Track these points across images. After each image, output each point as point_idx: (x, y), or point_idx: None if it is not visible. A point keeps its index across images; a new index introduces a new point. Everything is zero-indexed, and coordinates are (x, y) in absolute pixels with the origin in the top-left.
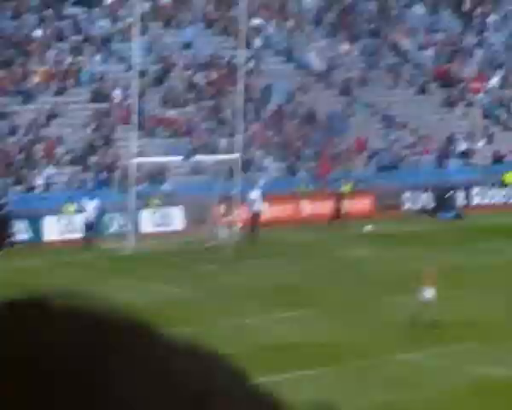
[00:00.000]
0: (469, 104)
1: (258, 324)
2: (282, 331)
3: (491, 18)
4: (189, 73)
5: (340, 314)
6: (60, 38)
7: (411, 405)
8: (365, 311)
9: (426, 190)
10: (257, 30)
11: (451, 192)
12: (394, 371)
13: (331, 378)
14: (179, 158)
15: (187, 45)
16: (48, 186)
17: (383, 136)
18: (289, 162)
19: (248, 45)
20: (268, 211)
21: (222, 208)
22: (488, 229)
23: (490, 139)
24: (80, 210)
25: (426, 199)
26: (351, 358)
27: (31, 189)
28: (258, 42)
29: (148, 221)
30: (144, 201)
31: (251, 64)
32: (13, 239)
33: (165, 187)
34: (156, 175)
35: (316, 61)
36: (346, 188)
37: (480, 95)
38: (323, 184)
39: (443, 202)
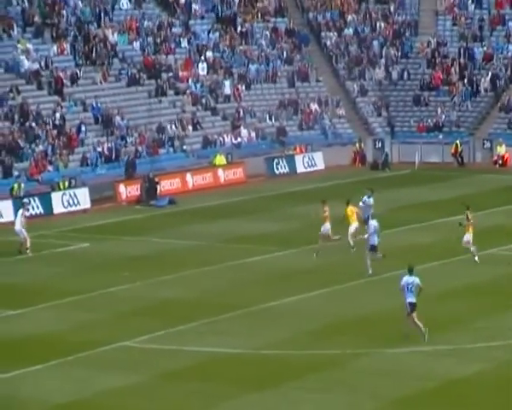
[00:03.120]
0: (178, 92)
1: None
2: None
3: (196, 6)
4: None
5: None
6: None
7: None
8: None
9: (139, 179)
10: None
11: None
12: None
13: None
14: None
15: None
16: None
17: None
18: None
19: None
20: None
21: None
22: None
23: (199, 125)
24: None
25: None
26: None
27: None
28: None
29: None
30: None
31: None
32: None
33: None
34: None
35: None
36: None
37: (189, 82)
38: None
39: (154, 191)
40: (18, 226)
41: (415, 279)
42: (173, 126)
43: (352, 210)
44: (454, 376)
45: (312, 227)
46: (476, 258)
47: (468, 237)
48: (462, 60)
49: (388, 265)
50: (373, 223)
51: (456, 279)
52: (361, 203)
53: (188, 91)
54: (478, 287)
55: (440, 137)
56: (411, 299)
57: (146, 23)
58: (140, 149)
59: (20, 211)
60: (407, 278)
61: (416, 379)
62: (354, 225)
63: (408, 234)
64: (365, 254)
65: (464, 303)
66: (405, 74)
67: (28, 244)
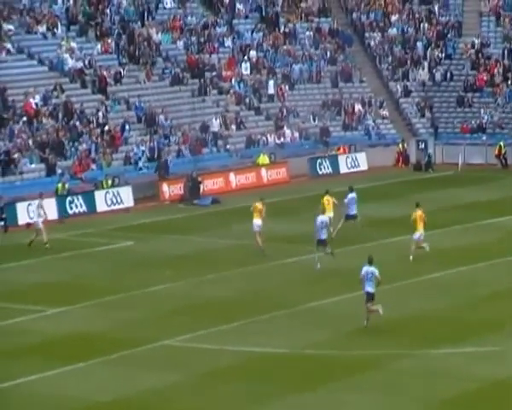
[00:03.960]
0: (222, 92)
1: None
2: None
3: (240, 6)
4: None
5: None
6: None
7: None
8: None
9: (183, 178)
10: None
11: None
12: None
13: None
14: None
15: None
16: None
17: (140, 129)
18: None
19: None
20: None
21: None
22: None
23: (242, 124)
24: None
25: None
26: None
27: None
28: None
29: None
30: None
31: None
32: None
33: None
34: None
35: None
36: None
37: (232, 81)
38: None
39: (197, 190)
40: (35, 218)
41: (374, 270)
42: (216, 126)
43: (328, 200)
44: (497, 377)
45: (356, 227)
46: None
47: None
48: (505, 61)
49: (431, 267)
50: (320, 218)
51: (501, 281)
52: (345, 200)
53: (231, 91)
54: None
55: (484, 138)
56: (370, 288)
57: (189, 22)
58: (183, 148)
59: (37, 202)
60: (367, 268)
61: (459, 380)
62: (328, 215)
63: (451, 235)
64: (315, 248)
65: (510, 305)
66: (449, 75)
67: (45, 239)
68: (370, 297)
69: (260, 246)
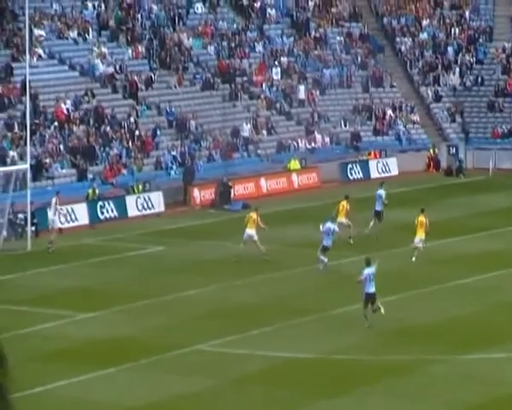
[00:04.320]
0: (252, 97)
1: None
2: None
3: (271, 11)
4: None
5: None
6: None
7: None
8: None
9: (214, 183)
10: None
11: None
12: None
13: None
14: None
15: None
16: None
17: (171, 134)
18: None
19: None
20: None
21: None
22: (274, 216)
23: (273, 129)
24: None
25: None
26: None
27: None
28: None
29: None
30: None
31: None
32: None
33: None
34: None
35: (100, 66)
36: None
37: (263, 86)
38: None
39: (228, 195)
40: (51, 215)
41: (373, 270)
42: (247, 131)
43: (343, 205)
44: None
45: (385, 232)
46: None
47: None
48: None
49: (462, 272)
50: (328, 224)
51: None
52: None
53: (262, 96)
54: None
55: None
56: (372, 289)
57: (220, 27)
58: (214, 153)
59: (54, 199)
60: (367, 270)
61: (489, 385)
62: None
63: (483, 240)
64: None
65: None
66: (480, 80)
67: (52, 237)
68: (372, 298)
69: (263, 253)
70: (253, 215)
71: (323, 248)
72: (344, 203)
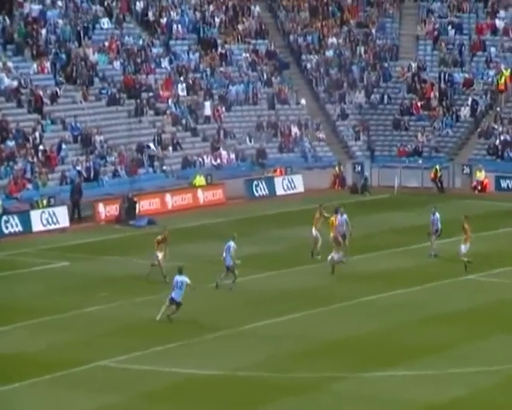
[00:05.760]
0: (158, 112)
1: None
2: None
3: (177, 27)
4: None
5: None
6: None
7: None
8: None
9: (119, 198)
10: None
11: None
12: None
13: None
14: None
15: None
16: None
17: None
18: None
19: None
20: None
21: None
22: (179, 232)
23: (179, 145)
24: None
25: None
26: None
27: None
28: None
29: None
30: None
31: None
32: None
33: None
34: None
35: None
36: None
37: (169, 102)
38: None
39: (133, 211)
40: None
41: (184, 278)
42: (153, 146)
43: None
44: (432, 401)
45: (292, 249)
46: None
47: (464, 247)
48: (442, 85)
49: (365, 290)
50: (230, 244)
51: (434, 304)
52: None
53: (168, 112)
54: (460, 313)
55: (420, 161)
56: (176, 296)
57: (126, 42)
58: (119, 168)
59: None
60: (177, 277)
61: (394, 404)
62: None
63: (386, 258)
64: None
65: (445, 329)
66: (386, 98)
67: None
68: (176, 303)
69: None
70: (160, 237)
71: (227, 268)
72: (333, 219)
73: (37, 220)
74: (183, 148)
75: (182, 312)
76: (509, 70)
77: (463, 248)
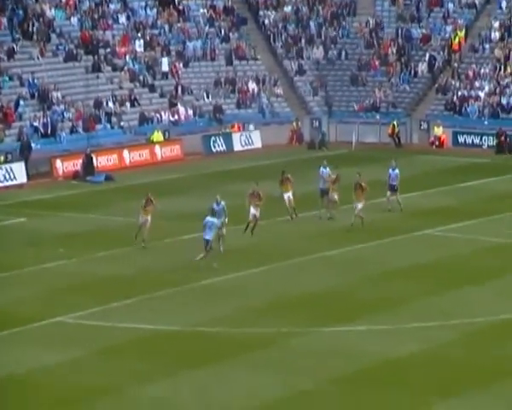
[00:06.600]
0: (116, 68)
1: None
2: None
3: None
4: None
5: None
6: None
7: None
8: None
9: (76, 155)
10: None
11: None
12: None
13: None
14: None
15: None
16: None
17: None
18: None
19: None
20: None
21: None
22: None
23: (136, 101)
24: None
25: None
26: None
27: None
28: None
29: None
30: None
31: None
32: None
33: None
34: None
35: None
36: None
37: (126, 58)
38: None
39: (92, 167)
40: None
41: (214, 220)
42: (110, 102)
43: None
44: (389, 356)
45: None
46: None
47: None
48: (399, 40)
49: (325, 245)
50: (208, 219)
51: (392, 260)
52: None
53: (125, 68)
54: (417, 268)
55: (377, 117)
56: (208, 236)
57: None
58: (76, 124)
59: None
60: (208, 218)
61: (353, 359)
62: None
63: (346, 214)
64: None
65: (403, 284)
66: (343, 54)
67: None
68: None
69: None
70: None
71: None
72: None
73: None
74: (140, 104)
75: (140, 267)
76: (463, 30)
77: (360, 205)
